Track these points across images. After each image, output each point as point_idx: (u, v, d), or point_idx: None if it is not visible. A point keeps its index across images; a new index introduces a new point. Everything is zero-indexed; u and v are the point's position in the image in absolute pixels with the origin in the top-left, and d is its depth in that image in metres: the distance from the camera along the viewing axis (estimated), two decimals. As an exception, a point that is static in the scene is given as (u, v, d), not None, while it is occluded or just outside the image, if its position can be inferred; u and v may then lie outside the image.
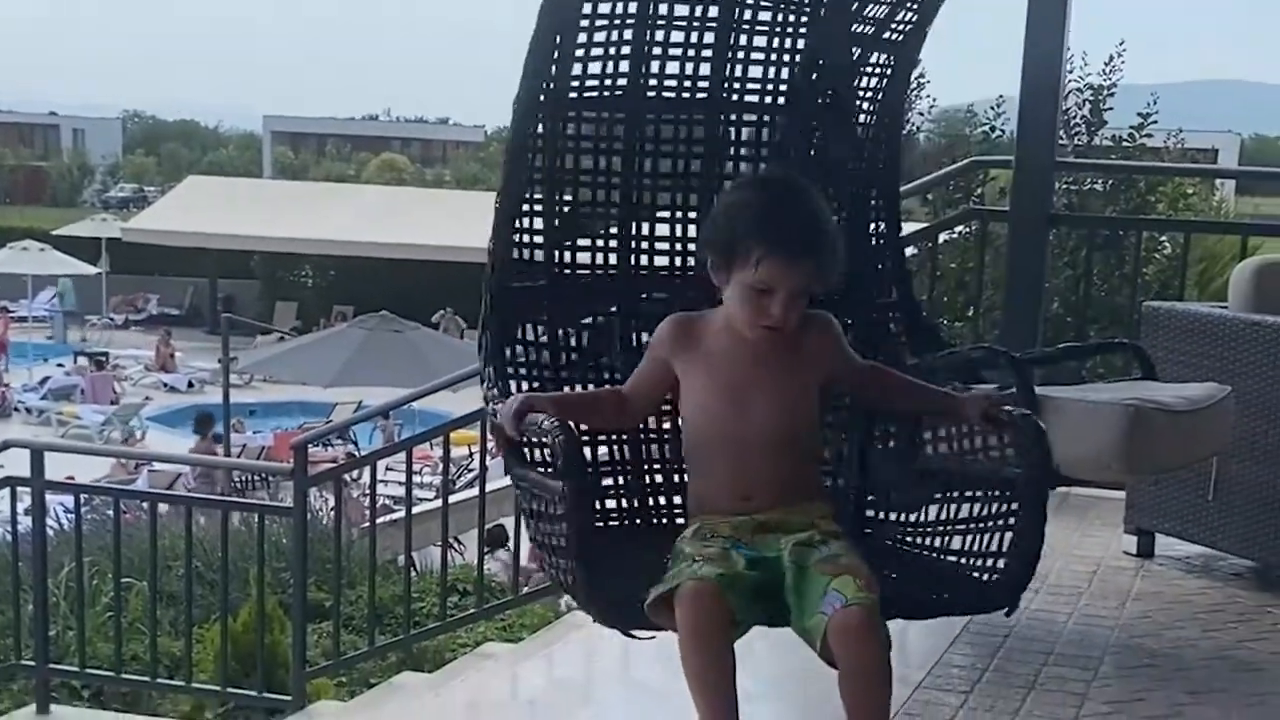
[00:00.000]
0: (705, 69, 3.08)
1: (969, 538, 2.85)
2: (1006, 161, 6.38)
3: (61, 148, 68.55)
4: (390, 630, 7.23)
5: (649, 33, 3.00)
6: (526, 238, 3.08)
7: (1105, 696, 3.57)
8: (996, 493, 2.81)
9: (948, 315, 9.61)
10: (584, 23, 2.95)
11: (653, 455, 3.20)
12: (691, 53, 3.05)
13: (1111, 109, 11.96)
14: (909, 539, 3.03)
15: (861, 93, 4.37)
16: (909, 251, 5.32)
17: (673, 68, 3.05)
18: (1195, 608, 4.35)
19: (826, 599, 2.47)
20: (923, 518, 3.01)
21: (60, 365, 28.12)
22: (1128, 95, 12.24)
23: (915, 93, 12.14)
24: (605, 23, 2.97)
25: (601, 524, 3.13)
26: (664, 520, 3.16)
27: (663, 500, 3.18)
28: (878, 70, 4.38)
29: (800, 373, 2.76)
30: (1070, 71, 10.55)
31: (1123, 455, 3.59)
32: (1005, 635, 4.00)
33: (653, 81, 3.05)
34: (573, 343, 3.13)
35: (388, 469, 10.68)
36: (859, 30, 4.24)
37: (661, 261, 3.16)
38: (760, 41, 3.14)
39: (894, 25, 4.33)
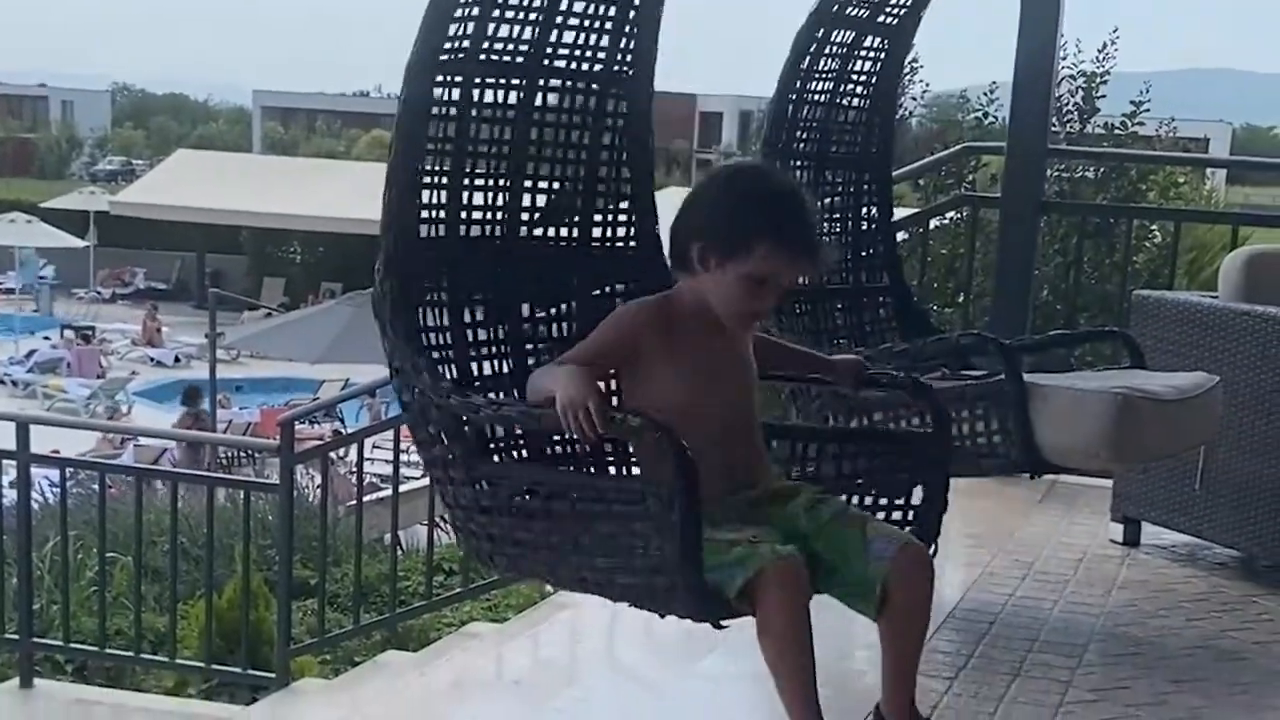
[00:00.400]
0: (528, 33, 2.93)
1: (882, 494, 2.94)
2: (999, 148, 6.38)
3: (50, 120, 68.30)
4: (375, 609, 7.22)
5: None
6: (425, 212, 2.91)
7: (1089, 684, 3.57)
8: (899, 448, 3.02)
9: (937, 301, 9.62)
10: None
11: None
12: (522, 15, 2.91)
13: (1104, 96, 11.98)
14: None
15: (855, 76, 4.38)
16: (899, 237, 5.32)
17: (504, 30, 2.90)
18: (1180, 597, 4.35)
19: (873, 546, 2.59)
20: (837, 474, 3.03)
21: (46, 338, 28.06)
22: (1120, 83, 12.25)
23: (908, 77, 12.15)
24: None
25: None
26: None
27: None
28: (871, 54, 4.40)
29: (749, 351, 2.85)
30: (1063, 58, 10.55)
31: (1110, 444, 3.59)
32: (991, 622, 4.00)
33: (484, 44, 2.89)
34: (466, 319, 2.97)
35: (374, 447, 10.68)
36: (853, 13, 4.24)
37: (476, 231, 2.98)
38: (579, 7, 2.99)
39: (889, 8, 4.34)
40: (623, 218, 3.20)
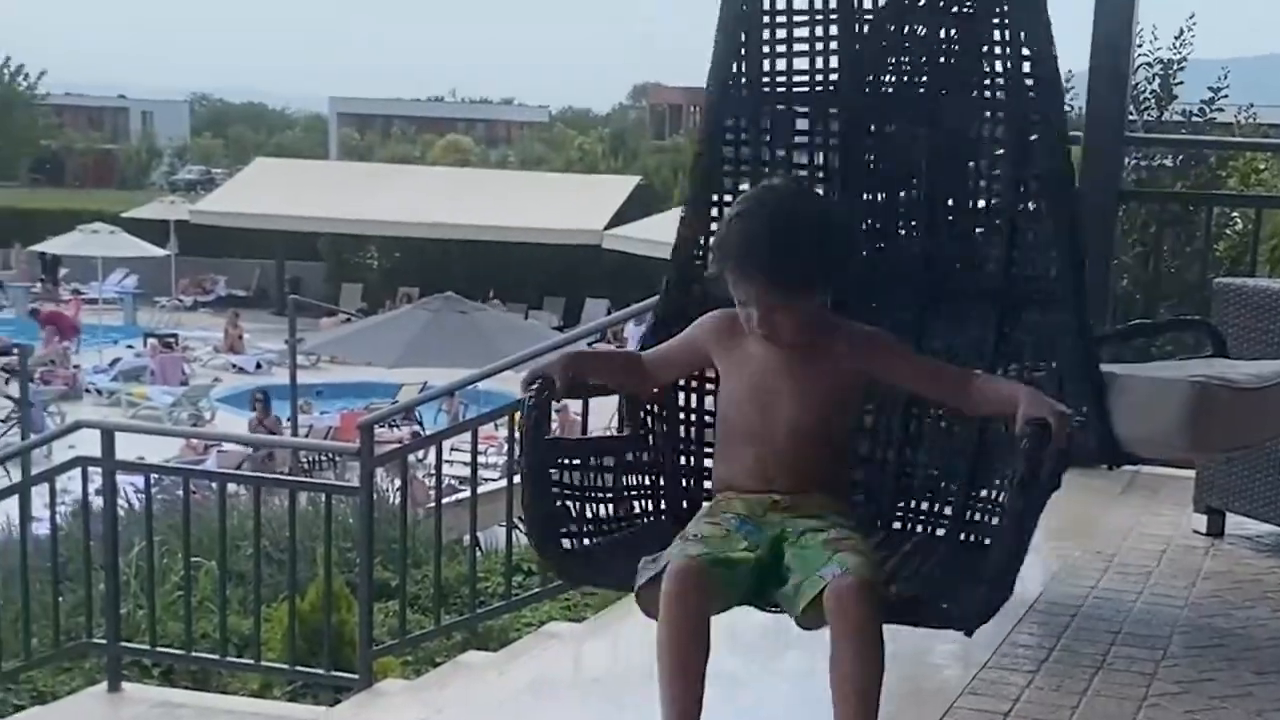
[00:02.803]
0: None
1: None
2: (1075, 138, 6.31)
3: (130, 131, 69.30)
4: (455, 609, 7.26)
5: None
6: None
7: (1174, 676, 3.54)
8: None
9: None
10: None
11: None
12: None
13: (1182, 83, 11.76)
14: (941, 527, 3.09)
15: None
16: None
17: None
18: (1265, 587, 4.29)
19: (828, 567, 2.49)
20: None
21: (130, 347, 28.47)
22: (1198, 70, 12.05)
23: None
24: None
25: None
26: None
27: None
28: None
29: (825, 378, 2.78)
30: (1139, 46, 10.39)
31: (1187, 433, 3.54)
32: (1072, 615, 3.97)
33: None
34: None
35: (452, 449, 10.72)
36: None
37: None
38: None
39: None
40: None
